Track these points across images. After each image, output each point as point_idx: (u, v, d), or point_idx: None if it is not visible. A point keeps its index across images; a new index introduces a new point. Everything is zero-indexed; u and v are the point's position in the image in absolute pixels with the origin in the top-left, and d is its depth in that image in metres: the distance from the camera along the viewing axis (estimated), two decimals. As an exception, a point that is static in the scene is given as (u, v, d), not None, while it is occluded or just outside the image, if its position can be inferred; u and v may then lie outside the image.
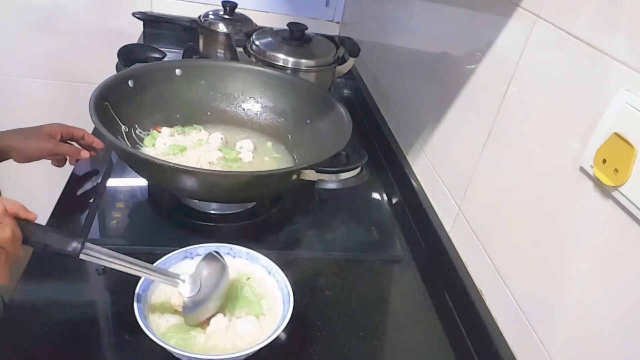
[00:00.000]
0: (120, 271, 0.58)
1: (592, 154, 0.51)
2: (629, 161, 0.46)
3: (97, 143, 0.90)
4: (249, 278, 0.67)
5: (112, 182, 0.90)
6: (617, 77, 0.49)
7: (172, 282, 0.61)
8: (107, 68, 1.09)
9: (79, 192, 0.88)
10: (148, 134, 0.94)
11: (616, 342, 0.48)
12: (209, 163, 0.88)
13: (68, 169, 0.91)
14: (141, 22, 1.50)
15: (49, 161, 0.89)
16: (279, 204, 0.92)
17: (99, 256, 0.56)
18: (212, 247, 0.69)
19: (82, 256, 0.55)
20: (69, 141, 0.89)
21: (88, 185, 0.90)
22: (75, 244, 0.55)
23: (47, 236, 0.55)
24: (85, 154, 0.88)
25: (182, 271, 0.63)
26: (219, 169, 0.88)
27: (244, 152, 0.94)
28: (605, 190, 0.50)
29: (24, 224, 0.54)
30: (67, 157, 0.88)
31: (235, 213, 0.88)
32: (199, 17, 1.35)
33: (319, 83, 1.16)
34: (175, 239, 0.78)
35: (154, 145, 0.92)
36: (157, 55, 1.22)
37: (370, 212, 0.98)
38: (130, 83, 0.91)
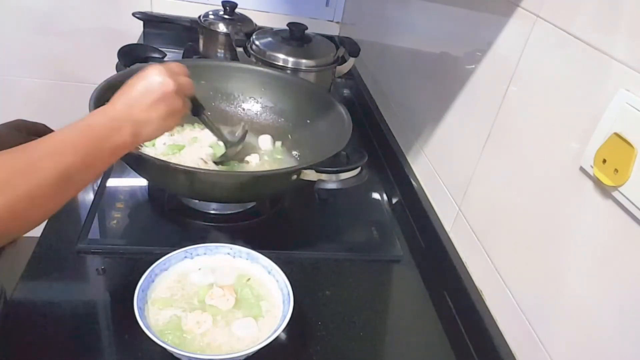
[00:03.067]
0: None
1: (592, 154, 0.51)
2: (629, 161, 0.46)
3: None
4: (249, 279, 0.67)
5: (112, 182, 0.90)
6: (617, 77, 0.49)
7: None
8: (107, 68, 1.09)
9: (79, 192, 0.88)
10: (148, 134, 0.94)
11: (616, 342, 0.48)
12: (201, 159, 0.88)
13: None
14: (141, 22, 1.50)
15: None
16: (279, 204, 0.92)
17: None
18: (212, 247, 0.69)
19: None
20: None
21: (88, 185, 0.90)
22: None
23: None
24: None
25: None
26: (218, 168, 0.88)
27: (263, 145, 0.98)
28: (605, 190, 0.50)
29: None
30: None
31: (235, 213, 0.88)
32: (199, 17, 1.35)
33: (319, 83, 1.16)
34: (175, 239, 0.79)
35: (154, 145, 0.92)
36: (157, 55, 1.22)
37: (370, 212, 0.98)
38: (130, 83, 0.91)
